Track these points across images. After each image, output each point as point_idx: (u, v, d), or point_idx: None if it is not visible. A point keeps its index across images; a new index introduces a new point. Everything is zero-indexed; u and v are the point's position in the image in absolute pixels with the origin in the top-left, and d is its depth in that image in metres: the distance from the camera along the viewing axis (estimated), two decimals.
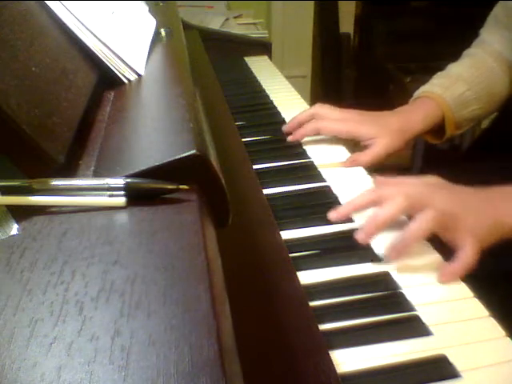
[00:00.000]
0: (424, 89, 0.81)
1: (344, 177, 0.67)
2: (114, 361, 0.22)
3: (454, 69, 0.84)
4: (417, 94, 0.82)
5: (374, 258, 0.51)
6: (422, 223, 0.49)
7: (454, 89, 0.79)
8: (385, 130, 0.72)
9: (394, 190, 0.53)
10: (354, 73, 2.48)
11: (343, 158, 0.71)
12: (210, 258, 0.28)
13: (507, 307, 0.46)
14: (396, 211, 0.50)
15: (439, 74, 0.84)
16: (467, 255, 0.49)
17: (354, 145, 0.74)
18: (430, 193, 0.52)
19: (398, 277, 0.48)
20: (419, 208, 0.50)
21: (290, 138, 0.75)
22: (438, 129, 0.80)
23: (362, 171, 0.68)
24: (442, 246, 0.53)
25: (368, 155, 0.70)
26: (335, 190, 0.63)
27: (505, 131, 0.78)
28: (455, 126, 0.80)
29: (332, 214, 0.55)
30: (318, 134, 0.74)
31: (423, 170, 1.51)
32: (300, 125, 0.75)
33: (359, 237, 0.51)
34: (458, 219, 0.51)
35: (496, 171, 0.58)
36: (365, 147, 0.72)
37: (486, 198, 0.54)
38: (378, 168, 0.70)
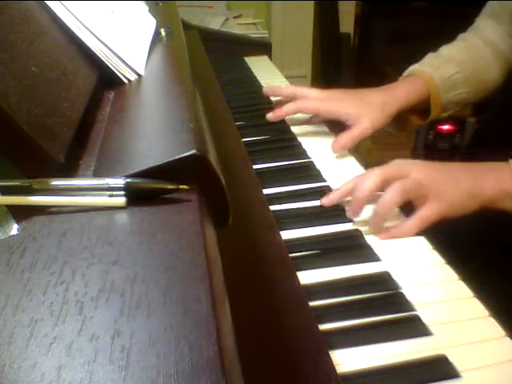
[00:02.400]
0: (414, 67, 0.81)
1: (344, 177, 0.67)
2: (114, 361, 0.22)
3: (446, 50, 0.84)
4: (406, 72, 0.82)
5: (373, 257, 0.51)
6: (392, 194, 0.54)
7: (444, 70, 0.79)
8: (367, 107, 0.73)
9: (371, 170, 0.57)
10: (354, 73, 2.48)
11: (343, 158, 0.71)
12: (209, 258, 0.28)
13: (507, 307, 0.46)
14: (373, 184, 0.55)
15: (430, 54, 0.84)
16: (421, 214, 0.54)
17: (338, 123, 0.75)
18: (407, 166, 0.56)
19: (397, 277, 0.48)
20: (395, 180, 0.54)
21: (270, 116, 0.77)
22: (424, 109, 0.81)
23: (362, 171, 0.68)
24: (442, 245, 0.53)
25: (353, 132, 0.72)
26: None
27: (502, 127, 0.78)
28: (441, 107, 0.80)
29: (324, 201, 0.59)
30: (299, 112, 0.77)
31: None
32: (279, 97, 0.78)
33: (348, 214, 0.57)
34: (430, 187, 0.54)
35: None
36: (349, 127, 0.73)
37: (464, 169, 0.58)
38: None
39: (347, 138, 0.72)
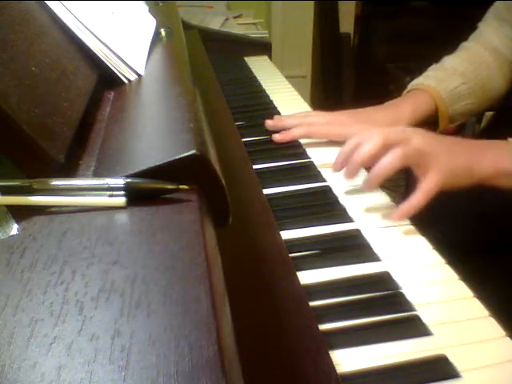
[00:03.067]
0: (418, 81, 0.81)
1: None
2: (114, 361, 0.22)
3: (449, 62, 0.84)
4: (410, 86, 0.82)
5: (373, 257, 0.51)
6: (393, 157, 0.54)
7: (449, 82, 0.79)
8: (373, 125, 0.72)
9: (373, 132, 0.57)
10: (354, 73, 2.48)
11: None
12: (209, 258, 0.28)
13: (507, 307, 0.46)
14: (373, 147, 0.55)
15: (434, 66, 0.84)
16: (425, 186, 0.54)
17: None
18: (408, 134, 0.56)
19: (397, 277, 0.48)
20: (396, 146, 0.55)
21: (277, 138, 0.75)
22: (432, 122, 0.81)
23: (362, 171, 0.68)
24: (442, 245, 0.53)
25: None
26: (335, 190, 0.63)
27: (503, 129, 0.78)
28: (449, 119, 0.80)
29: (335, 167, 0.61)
30: (306, 138, 0.75)
31: None
32: (281, 128, 0.76)
33: (344, 174, 0.59)
34: (431, 157, 0.55)
35: None
36: None
37: (464, 144, 0.59)
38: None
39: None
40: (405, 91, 0.82)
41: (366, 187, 0.57)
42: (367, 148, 0.56)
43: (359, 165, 0.57)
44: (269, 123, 0.78)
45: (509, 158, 0.56)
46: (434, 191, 0.54)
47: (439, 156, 0.55)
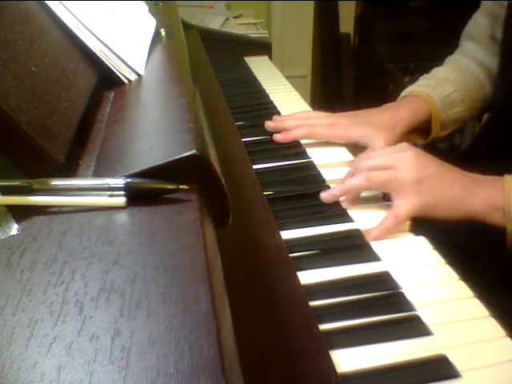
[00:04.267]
0: (411, 88, 0.83)
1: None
2: (114, 361, 0.22)
3: (440, 72, 0.86)
4: (404, 93, 0.83)
5: (373, 257, 0.51)
6: (357, 180, 0.57)
7: (442, 89, 0.81)
8: (377, 129, 0.73)
9: (364, 166, 0.59)
10: (354, 73, 2.47)
11: (343, 158, 0.71)
12: (209, 258, 0.28)
13: (507, 307, 0.46)
14: (360, 184, 0.58)
15: (425, 76, 0.86)
16: (395, 213, 0.55)
17: (354, 145, 0.74)
18: (399, 159, 0.57)
19: (397, 277, 0.48)
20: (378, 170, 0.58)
21: (279, 138, 0.75)
22: (424, 128, 0.82)
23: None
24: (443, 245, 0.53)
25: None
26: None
27: (502, 130, 0.78)
28: (441, 125, 0.82)
29: (323, 195, 0.61)
30: (307, 138, 0.75)
31: None
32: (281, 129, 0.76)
33: (323, 195, 0.60)
34: (412, 184, 0.55)
35: (495, 170, 0.58)
36: (363, 147, 0.72)
37: (458, 177, 0.57)
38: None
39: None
40: (399, 98, 0.83)
41: (326, 197, 0.60)
42: (355, 182, 0.58)
43: (343, 193, 0.60)
44: (269, 124, 0.78)
45: (502, 196, 0.54)
46: (406, 217, 0.55)
47: (424, 183, 0.55)
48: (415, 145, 0.64)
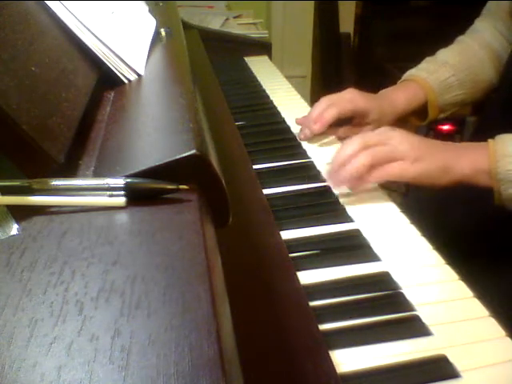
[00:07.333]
0: (411, 72, 0.86)
1: None
2: (114, 361, 0.22)
3: (442, 55, 0.87)
4: (404, 76, 0.86)
5: (374, 257, 0.51)
6: (362, 158, 0.58)
7: (440, 73, 0.83)
8: (381, 108, 0.78)
9: (353, 139, 0.61)
10: (354, 73, 2.47)
11: None
12: (209, 258, 0.28)
13: (507, 307, 0.46)
14: (360, 166, 0.59)
15: (427, 58, 0.88)
16: (388, 168, 0.59)
17: None
18: (389, 134, 0.61)
19: (397, 277, 0.48)
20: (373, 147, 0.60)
21: (315, 129, 0.75)
22: (422, 111, 0.84)
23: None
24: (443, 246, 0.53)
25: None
26: (335, 190, 0.63)
27: (503, 123, 0.78)
28: (439, 109, 0.84)
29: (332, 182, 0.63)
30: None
31: None
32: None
33: (329, 183, 0.63)
34: (408, 152, 0.59)
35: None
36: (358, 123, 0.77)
37: (444, 145, 0.62)
38: None
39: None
40: (399, 81, 0.86)
41: (332, 183, 0.63)
42: (354, 165, 0.59)
43: (346, 178, 0.61)
44: (314, 127, 0.76)
45: (487, 159, 0.58)
46: (395, 176, 0.59)
47: (417, 151, 0.59)
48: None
